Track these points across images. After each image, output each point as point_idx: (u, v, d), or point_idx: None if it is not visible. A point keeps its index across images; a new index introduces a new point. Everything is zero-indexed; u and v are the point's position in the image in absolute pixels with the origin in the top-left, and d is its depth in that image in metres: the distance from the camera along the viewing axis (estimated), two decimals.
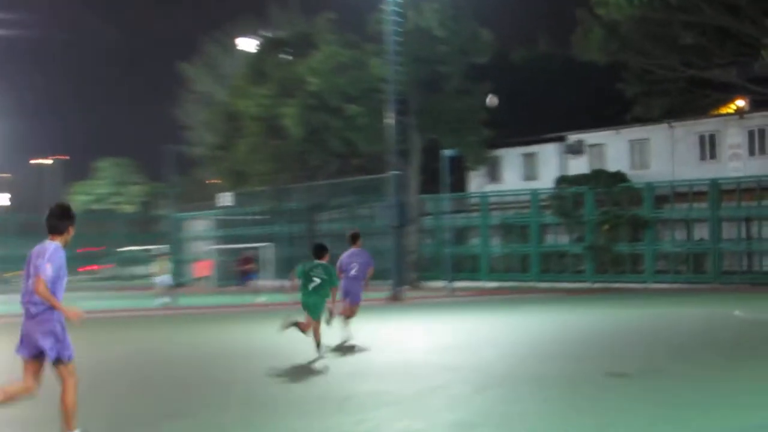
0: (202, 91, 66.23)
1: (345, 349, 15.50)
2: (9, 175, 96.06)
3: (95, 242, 70.68)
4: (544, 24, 71.78)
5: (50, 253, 7.49)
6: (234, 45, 62.90)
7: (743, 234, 43.33)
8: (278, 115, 48.03)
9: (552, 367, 12.68)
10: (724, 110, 49.46)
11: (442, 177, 41.44)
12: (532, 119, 52.91)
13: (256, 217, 56.73)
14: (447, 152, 40.89)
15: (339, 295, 15.64)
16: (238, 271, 41.04)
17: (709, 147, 46.30)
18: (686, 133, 46.87)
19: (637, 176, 46.44)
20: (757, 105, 46.62)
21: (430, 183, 47.74)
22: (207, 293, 45.12)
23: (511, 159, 53.44)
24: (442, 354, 14.73)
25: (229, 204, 57.84)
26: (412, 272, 46.92)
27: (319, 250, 14.84)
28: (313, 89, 46.58)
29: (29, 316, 7.54)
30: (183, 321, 25.05)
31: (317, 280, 14.44)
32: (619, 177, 46.29)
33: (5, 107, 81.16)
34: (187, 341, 18.99)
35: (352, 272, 16.54)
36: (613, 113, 49.33)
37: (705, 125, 46.78)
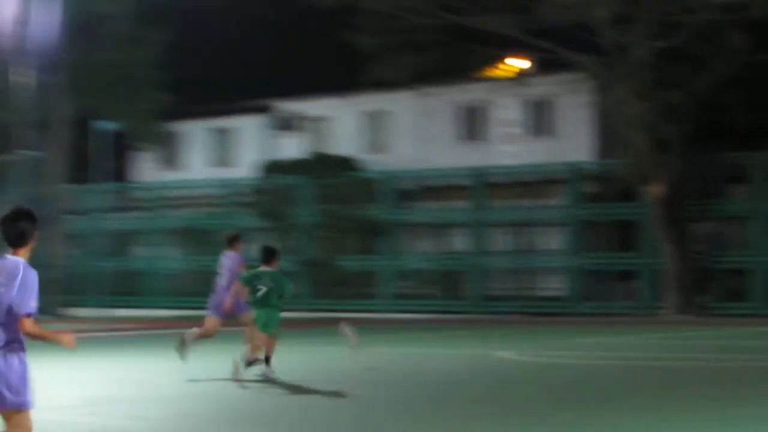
0: None
1: None
2: None
3: None
4: None
5: (22, 277, 6.43)
6: None
7: (517, 245, 40.95)
8: None
9: None
10: (497, 73, 45.30)
11: (98, 160, 41.28)
12: (228, 81, 48.99)
13: None
14: (105, 125, 40.13)
15: None
16: None
17: (473, 123, 43.84)
18: (443, 103, 42.91)
19: (374, 162, 43.27)
20: (543, 66, 42.18)
21: (81, 168, 44.21)
22: None
23: (196, 136, 50.23)
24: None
25: None
26: (56, 295, 41.74)
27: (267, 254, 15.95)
28: None
29: None
30: None
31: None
32: (347, 164, 43.47)
33: None
34: None
35: None
36: (342, 75, 43.03)
37: (470, 93, 43.07)
